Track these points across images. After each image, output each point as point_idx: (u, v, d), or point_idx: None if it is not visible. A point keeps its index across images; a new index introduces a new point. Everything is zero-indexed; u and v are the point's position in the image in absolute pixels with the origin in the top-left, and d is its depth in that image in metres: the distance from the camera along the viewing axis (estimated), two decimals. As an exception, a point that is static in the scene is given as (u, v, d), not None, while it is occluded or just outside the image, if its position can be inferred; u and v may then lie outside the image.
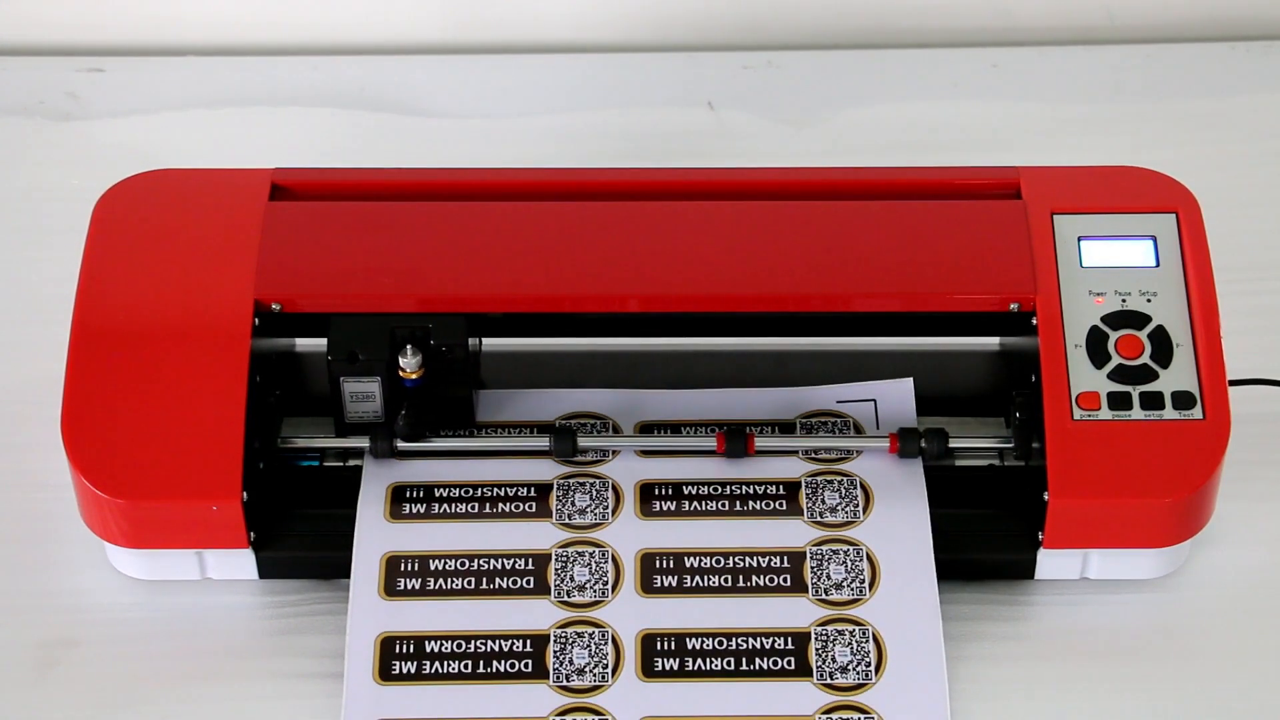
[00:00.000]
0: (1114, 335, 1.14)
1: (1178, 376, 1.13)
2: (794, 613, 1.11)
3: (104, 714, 1.11)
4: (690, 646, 1.10)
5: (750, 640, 1.11)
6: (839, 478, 1.16)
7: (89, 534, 1.15)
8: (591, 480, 1.16)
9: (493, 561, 1.13)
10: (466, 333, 1.15)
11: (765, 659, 1.10)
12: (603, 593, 1.12)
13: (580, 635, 1.11)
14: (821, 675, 1.09)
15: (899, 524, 1.14)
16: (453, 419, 1.18)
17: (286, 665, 1.13)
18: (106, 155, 1.46)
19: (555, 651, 1.10)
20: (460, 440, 1.18)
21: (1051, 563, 1.15)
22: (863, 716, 1.08)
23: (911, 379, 1.20)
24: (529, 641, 1.11)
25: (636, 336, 1.26)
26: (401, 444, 1.17)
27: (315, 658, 1.13)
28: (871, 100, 1.51)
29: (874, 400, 1.21)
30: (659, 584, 1.13)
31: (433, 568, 1.13)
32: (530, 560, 1.13)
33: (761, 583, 1.13)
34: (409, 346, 1.15)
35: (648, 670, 1.10)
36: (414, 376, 1.15)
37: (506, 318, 1.18)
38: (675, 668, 1.10)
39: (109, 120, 1.51)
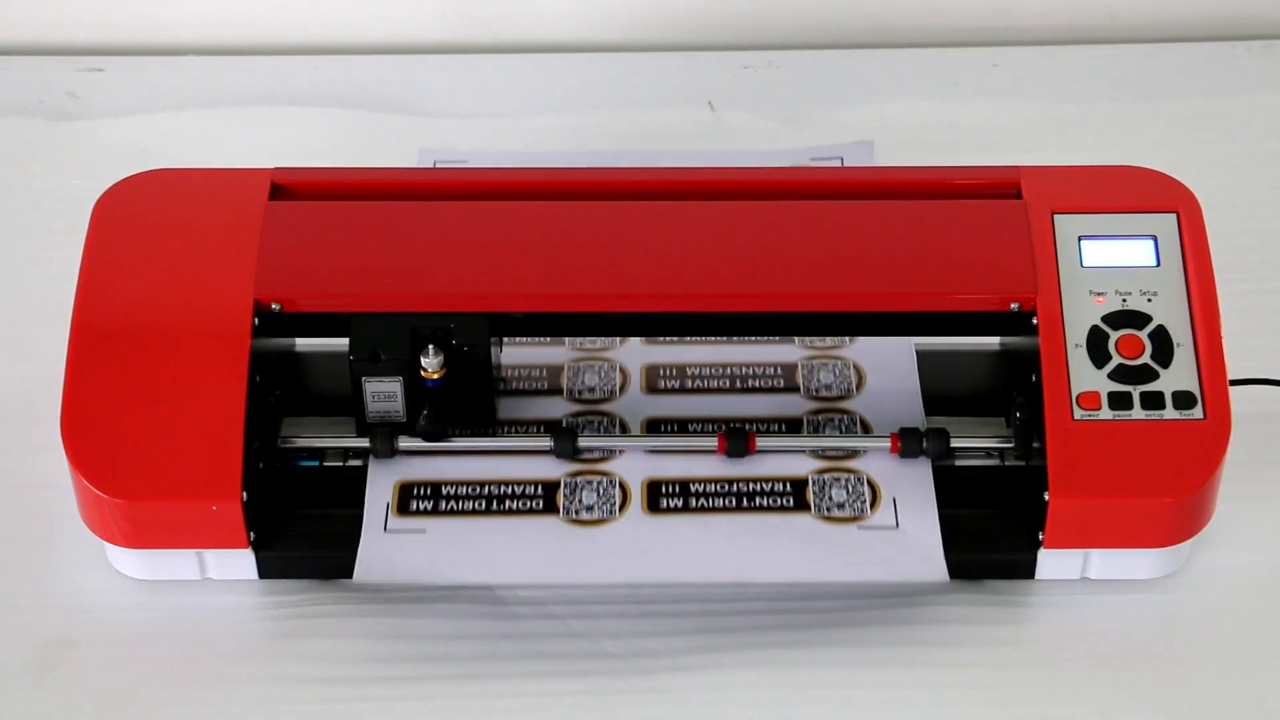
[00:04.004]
0: (1114, 335, 1.14)
1: (1178, 376, 1.13)
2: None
3: (104, 714, 1.11)
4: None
5: None
6: (846, 475, 1.16)
7: (89, 534, 1.15)
8: (598, 478, 1.16)
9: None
10: (489, 332, 1.15)
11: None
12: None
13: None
14: None
15: (906, 522, 1.14)
16: (474, 418, 1.19)
17: (286, 666, 1.13)
18: (106, 155, 1.46)
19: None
20: (466, 440, 1.18)
21: (1052, 563, 1.15)
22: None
23: (873, 141, 1.26)
24: None
25: (633, 336, 1.26)
26: (419, 443, 1.17)
27: (315, 659, 1.13)
28: (871, 100, 1.52)
29: (840, 158, 1.39)
30: None
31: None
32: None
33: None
34: (430, 346, 1.15)
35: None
36: (435, 376, 1.15)
37: (520, 317, 1.18)
38: None
39: (109, 120, 1.51)
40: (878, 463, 1.17)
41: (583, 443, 1.17)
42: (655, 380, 1.23)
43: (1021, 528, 1.15)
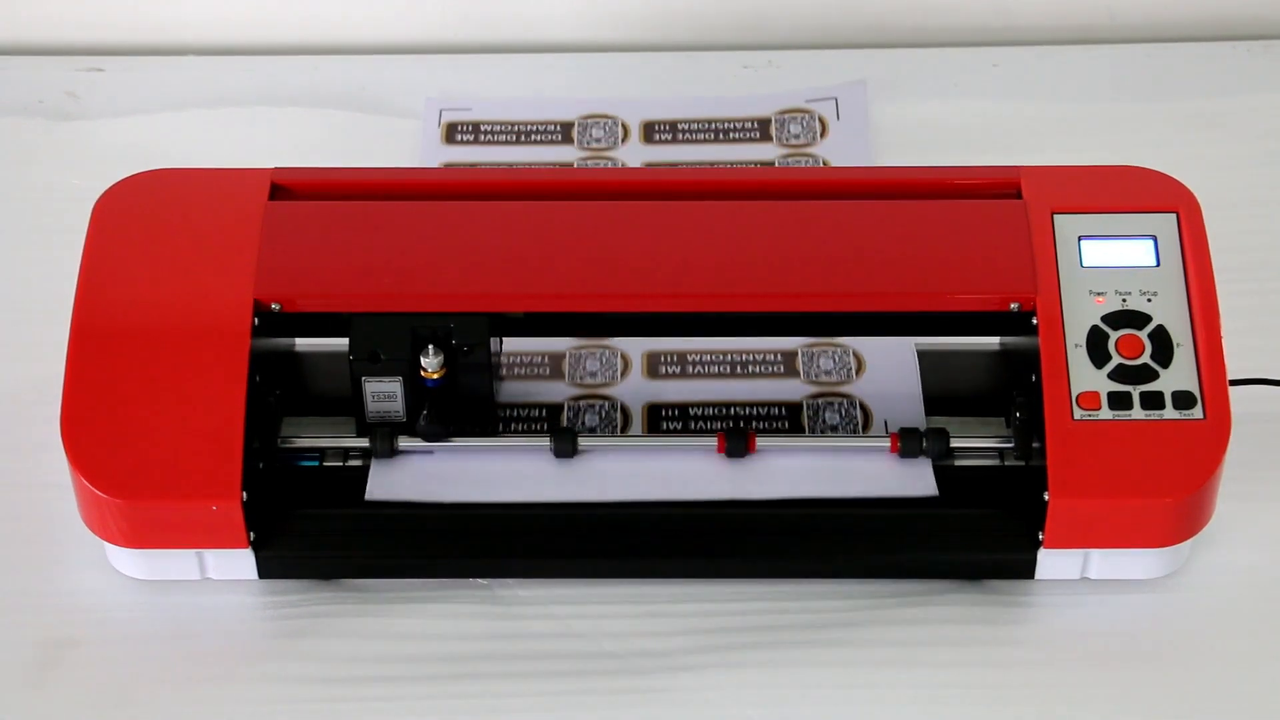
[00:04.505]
0: (1114, 335, 1.14)
1: (1178, 376, 1.13)
2: None
3: (104, 714, 1.11)
4: None
5: None
6: (839, 399, 1.21)
7: (89, 534, 1.15)
8: (601, 402, 1.21)
9: None
10: (489, 332, 1.15)
11: None
12: None
13: None
14: None
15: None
16: (474, 418, 1.19)
17: (286, 666, 1.13)
18: (106, 155, 1.46)
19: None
20: (466, 440, 1.18)
21: (1051, 563, 1.15)
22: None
23: (865, 81, 1.36)
24: None
25: (633, 336, 1.27)
26: (419, 443, 1.17)
27: (315, 659, 1.13)
28: (872, 100, 1.51)
29: (834, 99, 1.45)
30: None
31: None
32: None
33: None
34: (430, 346, 1.15)
35: None
36: (435, 376, 1.15)
37: (520, 317, 1.19)
38: None
39: (109, 120, 1.51)
40: (870, 387, 1.22)
41: (582, 443, 1.17)
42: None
43: (1021, 528, 1.15)
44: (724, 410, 1.23)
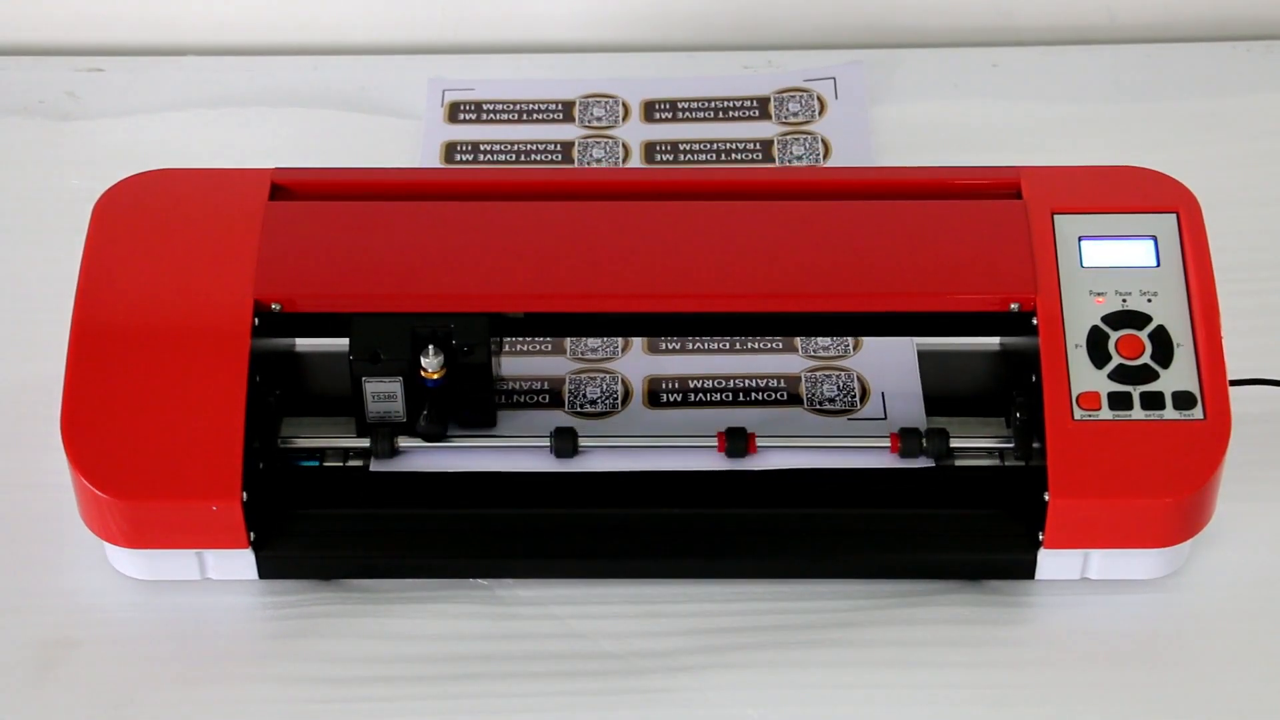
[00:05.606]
0: (1114, 335, 1.14)
1: (1178, 376, 1.13)
2: None
3: (104, 714, 1.11)
4: None
5: None
6: (837, 373, 1.23)
7: (89, 534, 1.15)
8: (602, 375, 1.23)
9: None
10: (489, 333, 1.15)
11: None
12: None
13: None
14: None
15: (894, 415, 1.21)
16: (474, 419, 1.19)
17: (286, 666, 1.13)
18: (106, 155, 1.46)
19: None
20: (466, 440, 1.19)
21: (1052, 563, 1.15)
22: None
23: (862, 62, 1.38)
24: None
25: (633, 336, 1.27)
26: (419, 444, 1.18)
27: (315, 659, 1.13)
28: (872, 100, 1.51)
29: (833, 79, 1.48)
30: None
31: None
32: None
33: None
34: (430, 347, 1.15)
35: None
36: (435, 377, 1.15)
37: (520, 318, 1.19)
38: None
39: (109, 120, 1.51)
40: (867, 361, 1.24)
41: (582, 442, 1.17)
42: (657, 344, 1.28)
43: (1021, 528, 1.15)
44: (723, 384, 1.23)
